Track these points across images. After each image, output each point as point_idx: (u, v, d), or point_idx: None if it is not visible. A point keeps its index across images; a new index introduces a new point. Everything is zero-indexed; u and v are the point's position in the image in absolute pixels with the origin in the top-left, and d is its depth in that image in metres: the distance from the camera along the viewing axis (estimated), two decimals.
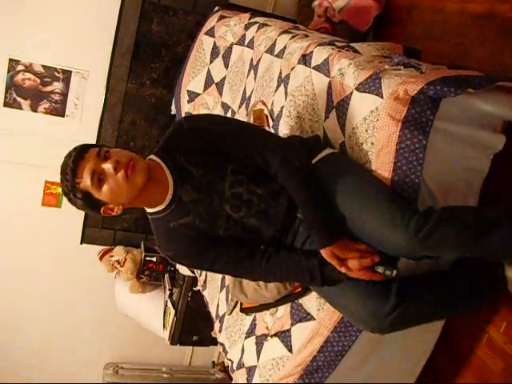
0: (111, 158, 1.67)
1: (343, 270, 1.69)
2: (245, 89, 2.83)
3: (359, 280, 1.71)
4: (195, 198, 1.79)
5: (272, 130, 2.40)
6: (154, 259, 4.09)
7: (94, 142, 3.92)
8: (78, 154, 1.66)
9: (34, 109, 3.83)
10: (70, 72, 3.81)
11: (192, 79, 3.41)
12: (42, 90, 3.80)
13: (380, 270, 1.68)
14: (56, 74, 3.78)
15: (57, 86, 3.82)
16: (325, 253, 1.70)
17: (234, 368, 2.45)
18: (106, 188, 1.67)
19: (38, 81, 3.77)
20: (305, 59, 2.18)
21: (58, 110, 3.88)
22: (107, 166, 1.65)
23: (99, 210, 1.76)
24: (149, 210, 1.84)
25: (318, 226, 1.71)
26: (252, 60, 2.76)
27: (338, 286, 1.76)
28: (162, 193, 1.77)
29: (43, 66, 3.75)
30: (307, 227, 1.78)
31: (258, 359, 2.25)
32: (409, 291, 1.71)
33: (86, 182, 1.66)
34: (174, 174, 1.77)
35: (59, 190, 3.82)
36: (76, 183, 1.67)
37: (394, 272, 1.66)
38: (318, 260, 1.76)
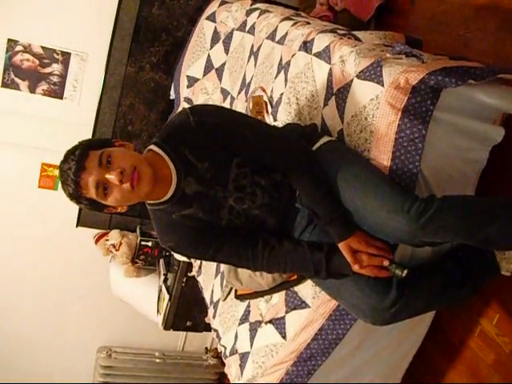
0: (114, 164, 1.60)
1: (356, 267, 1.68)
2: (245, 75, 2.82)
3: (360, 274, 1.71)
4: (198, 190, 1.75)
5: (271, 117, 2.39)
6: (150, 244, 4.09)
7: (91, 124, 3.92)
8: (79, 163, 1.58)
9: (32, 90, 3.81)
10: (69, 54, 3.79)
11: (192, 64, 3.39)
12: (41, 72, 3.78)
13: (391, 268, 1.67)
14: (55, 55, 3.76)
15: (55, 68, 3.80)
16: (342, 246, 1.70)
17: (227, 354, 2.46)
18: (112, 198, 1.63)
19: (37, 62, 3.75)
20: (306, 46, 2.16)
21: (57, 92, 3.86)
22: (111, 178, 1.58)
23: (103, 210, 1.74)
24: (150, 202, 1.80)
25: (336, 220, 1.70)
26: (253, 46, 2.74)
27: (339, 279, 1.77)
28: (165, 185, 1.72)
29: (42, 48, 3.73)
30: (322, 222, 1.74)
31: (251, 346, 2.26)
32: (408, 283, 1.72)
33: (90, 192, 1.61)
34: (178, 167, 1.72)
35: (56, 172, 3.81)
36: (80, 194, 1.62)
37: (405, 272, 1.65)
38: (324, 253, 1.76)
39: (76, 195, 1.63)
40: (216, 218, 1.81)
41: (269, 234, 1.86)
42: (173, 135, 1.75)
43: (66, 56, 3.78)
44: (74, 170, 1.58)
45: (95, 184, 1.59)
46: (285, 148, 1.76)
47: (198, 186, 1.75)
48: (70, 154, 1.62)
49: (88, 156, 1.60)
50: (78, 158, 1.59)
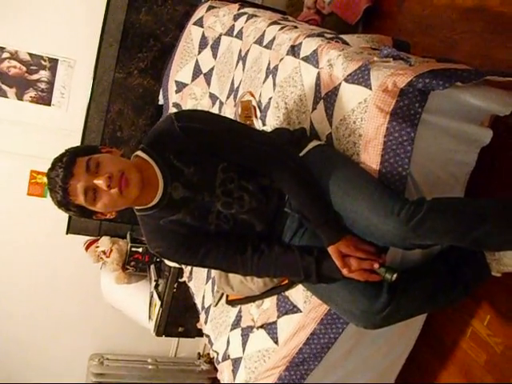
0: (102, 169, 1.59)
1: (345, 271, 1.68)
2: (233, 80, 2.82)
3: (350, 277, 1.70)
4: (186, 195, 1.75)
5: (260, 121, 2.39)
6: (140, 250, 4.08)
7: (80, 131, 3.90)
8: (66, 170, 1.57)
9: (19, 97, 3.79)
10: (57, 60, 3.78)
11: (180, 69, 3.38)
12: (28, 79, 3.77)
13: (381, 271, 1.67)
14: (42, 62, 3.75)
15: (43, 75, 3.79)
16: (331, 250, 1.69)
17: (220, 360, 2.45)
18: (101, 204, 1.62)
19: (24, 69, 3.74)
20: (294, 50, 2.17)
21: (45, 99, 3.85)
22: (100, 183, 1.58)
23: (92, 217, 1.73)
24: (137, 207, 1.79)
25: (325, 223, 1.70)
26: (241, 51, 2.74)
27: (330, 284, 1.76)
28: (152, 191, 1.72)
29: (29, 54, 3.72)
30: (312, 226, 1.74)
31: (243, 351, 2.25)
32: (398, 287, 1.71)
33: (79, 199, 1.60)
34: (164, 172, 1.72)
35: (45, 179, 3.79)
36: (68, 201, 1.61)
37: (395, 276, 1.65)
38: (314, 257, 1.76)
39: (64, 202, 1.62)
40: (204, 223, 1.80)
41: (258, 239, 1.86)
42: (158, 141, 1.75)
43: (54, 62, 3.77)
44: (61, 176, 1.57)
45: (83, 190, 1.58)
46: (271, 154, 1.76)
47: (185, 191, 1.75)
48: (57, 161, 1.61)
49: (75, 163, 1.59)
50: (65, 164, 1.58)
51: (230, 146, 1.74)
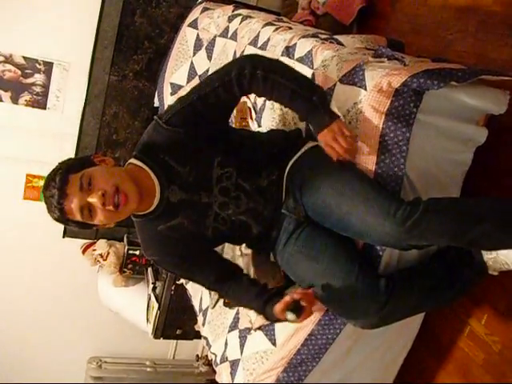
0: (95, 186, 1.59)
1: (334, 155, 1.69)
2: None
3: (347, 278, 1.71)
4: (183, 197, 1.75)
5: (255, 123, 2.39)
6: (137, 253, 4.07)
7: (76, 134, 3.90)
8: (60, 190, 1.57)
9: (14, 101, 3.78)
10: (52, 64, 3.77)
11: (175, 71, 3.38)
12: (23, 82, 3.76)
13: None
14: (37, 65, 3.74)
15: (38, 78, 3.78)
16: (324, 135, 1.68)
17: (218, 362, 2.45)
18: (98, 219, 1.63)
19: (19, 72, 3.73)
20: (288, 51, 2.17)
21: (40, 103, 3.84)
22: (94, 201, 1.58)
23: (92, 228, 1.74)
24: (135, 213, 1.79)
25: (315, 109, 1.69)
26: (235, 52, 2.74)
27: (327, 285, 1.76)
28: (149, 197, 1.72)
29: (24, 58, 3.71)
30: (303, 117, 1.75)
31: (241, 353, 2.25)
32: (395, 286, 1.72)
33: (76, 216, 1.61)
34: (160, 176, 1.72)
35: (41, 183, 3.78)
36: (66, 218, 1.62)
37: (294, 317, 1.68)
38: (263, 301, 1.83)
39: (62, 219, 1.63)
40: (202, 227, 1.81)
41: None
42: (149, 144, 1.75)
43: (49, 66, 3.76)
44: (56, 197, 1.58)
45: (79, 209, 1.59)
46: (237, 69, 1.70)
47: (183, 194, 1.75)
48: (50, 180, 1.61)
49: (68, 181, 1.59)
50: (58, 184, 1.58)
51: (209, 98, 1.72)
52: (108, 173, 1.65)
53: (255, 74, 1.68)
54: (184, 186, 1.74)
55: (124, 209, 1.62)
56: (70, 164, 1.65)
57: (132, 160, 1.76)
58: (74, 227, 1.69)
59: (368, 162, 1.71)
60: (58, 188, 1.58)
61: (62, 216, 1.61)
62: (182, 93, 3.27)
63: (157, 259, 1.88)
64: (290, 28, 2.43)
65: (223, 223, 1.82)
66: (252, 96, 2.45)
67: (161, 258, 1.87)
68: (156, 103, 3.78)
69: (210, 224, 1.81)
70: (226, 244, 2.30)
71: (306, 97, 1.69)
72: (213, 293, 2.54)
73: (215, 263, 1.93)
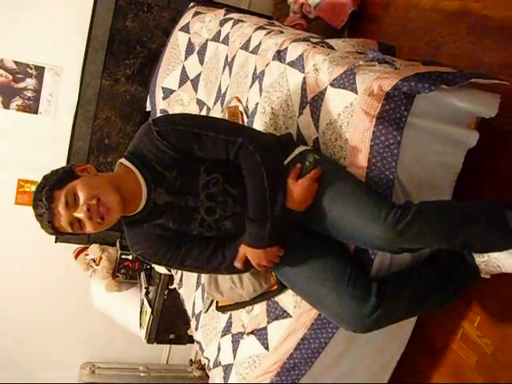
0: (79, 201, 1.64)
1: (238, 265, 1.78)
2: (220, 85, 2.82)
3: (339, 281, 1.72)
4: (169, 200, 1.77)
5: None
6: (130, 257, 4.06)
7: (68, 139, 3.89)
8: (48, 210, 1.64)
9: (5, 106, 3.76)
10: (43, 68, 3.75)
11: (167, 76, 3.38)
12: (15, 87, 3.74)
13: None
14: (28, 70, 3.73)
15: (29, 83, 3.76)
16: (254, 255, 1.75)
17: (211, 366, 2.44)
18: (88, 230, 1.69)
19: (10, 77, 3.71)
20: (279, 55, 2.17)
21: (31, 107, 3.82)
22: (80, 216, 1.65)
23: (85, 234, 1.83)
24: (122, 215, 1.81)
25: (262, 226, 1.70)
26: (227, 56, 2.74)
27: (319, 288, 1.77)
28: (136, 199, 1.75)
29: (15, 62, 3.69)
30: (250, 220, 1.74)
31: (234, 357, 2.24)
32: (388, 290, 1.72)
33: (67, 230, 1.68)
34: (147, 179, 1.74)
35: (32, 188, 3.77)
36: (59, 231, 1.70)
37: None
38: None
39: (56, 233, 1.72)
40: (187, 229, 1.82)
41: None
42: (139, 147, 1.77)
43: (40, 70, 3.75)
44: (46, 216, 1.65)
45: (69, 224, 1.66)
46: (250, 142, 1.72)
47: (169, 197, 1.76)
48: (37, 199, 1.68)
49: (54, 199, 1.65)
50: (45, 204, 1.64)
51: (210, 143, 1.73)
52: (88, 185, 1.68)
53: (254, 154, 1.70)
54: (171, 189, 1.76)
55: (109, 218, 1.68)
56: (54, 180, 1.69)
57: (122, 160, 1.79)
58: (66, 236, 1.77)
59: (359, 165, 1.71)
60: (45, 207, 1.65)
61: (54, 231, 1.70)
62: (175, 97, 3.31)
63: (143, 253, 1.89)
64: (282, 32, 2.43)
65: (209, 229, 1.83)
66: (244, 100, 2.45)
67: (146, 251, 1.88)
68: (148, 107, 3.77)
69: (195, 228, 1.82)
70: None
71: (266, 209, 1.70)
72: (205, 297, 2.54)
73: (203, 247, 1.87)
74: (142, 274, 4.11)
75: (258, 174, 1.69)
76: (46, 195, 1.65)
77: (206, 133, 1.72)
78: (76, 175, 1.71)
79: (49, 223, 1.66)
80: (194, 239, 1.85)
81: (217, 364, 2.37)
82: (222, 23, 2.93)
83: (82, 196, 1.64)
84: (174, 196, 1.76)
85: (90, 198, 1.64)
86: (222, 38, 2.86)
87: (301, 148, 1.88)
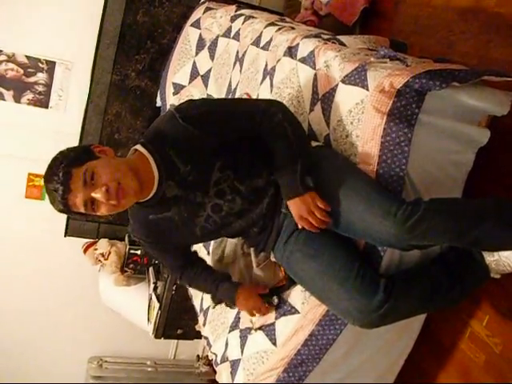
0: (98, 181, 1.60)
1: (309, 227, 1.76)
2: (230, 81, 2.82)
3: (347, 276, 1.71)
4: (178, 194, 1.77)
5: None
6: (139, 252, 4.07)
7: (78, 133, 3.90)
8: (64, 185, 1.58)
9: (17, 100, 3.78)
10: (54, 63, 3.77)
11: (177, 71, 3.38)
12: (26, 81, 3.76)
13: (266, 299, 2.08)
14: (40, 64, 3.74)
15: (40, 77, 3.78)
16: (298, 206, 1.72)
17: (218, 361, 2.44)
18: (101, 212, 1.65)
19: (22, 71, 3.73)
20: (291, 51, 2.16)
21: (42, 102, 3.84)
22: (98, 196, 1.60)
23: (93, 216, 1.86)
24: None
25: (293, 172, 1.72)
26: (238, 52, 2.74)
27: (327, 282, 1.76)
28: (147, 188, 1.73)
29: (27, 57, 3.71)
30: (277, 173, 1.77)
31: (241, 353, 2.25)
32: (396, 286, 1.72)
33: (79, 209, 1.64)
34: (160, 169, 1.73)
35: (42, 182, 3.78)
36: (70, 210, 1.65)
37: (275, 299, 2.08)
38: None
39: (66, 211, 1.66)
40: (191, 224, 1.85)
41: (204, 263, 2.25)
42: (160, 135, 1.76)
43: (51, 65, 3.76)
44: (60, 192, 1.59)
45: (83, 203, 1.61)
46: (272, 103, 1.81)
47: (179, 190, 1.76)
48: (52, 173, 1.61)
49: (72, 176, 1.59)
50: (62, 179, 1.59)
51: (230, 116, 1.76)
52: (110, 167, 1.65)
53: (277, 114, 1.74)
54: (181, 183, 1.75)
55: (125, 202, 1.66)
56: (72, 157, 1.64)
57: (138, 146, 1.76)
58: (76, 216, 1.72)
59: (370, 162, 1.71)
60: (61, 183, 1.59)
61: (65, 209, 1.64)
62: (185, 93, 3.31)
63: (142, 243, 2.01)
64: (293, 28, 2.43)
65: (213, 225, 1.85)
66: (254, 96, 2.44)
67: (143, 240, 1.98)
68: (158, 103, 3.78)
69: (199, 223, 1.84)
70: (228, 244, 2.31)
71: (294, 156, 1.73)
72: None
73: (185, 254, 2.15)
74: (151, 269, 4.12)
75: (283, 129, 1.73)
76: (63, 170, 1.59)
77: (229, 109, 1.77)
78: (95, 155, 1.68)
79: (63, 199, 1.59)
80: (184, 248, 2.12)
81: (224, 359, 2.38)
82: (233, 19, 2.92)
83: (103, 177, 1.61)
84: (183, 190, 1.76)
85: (111, 180, 1.61)
86: (232, 33, 2.86)
87: (312, 144, 1.88)
